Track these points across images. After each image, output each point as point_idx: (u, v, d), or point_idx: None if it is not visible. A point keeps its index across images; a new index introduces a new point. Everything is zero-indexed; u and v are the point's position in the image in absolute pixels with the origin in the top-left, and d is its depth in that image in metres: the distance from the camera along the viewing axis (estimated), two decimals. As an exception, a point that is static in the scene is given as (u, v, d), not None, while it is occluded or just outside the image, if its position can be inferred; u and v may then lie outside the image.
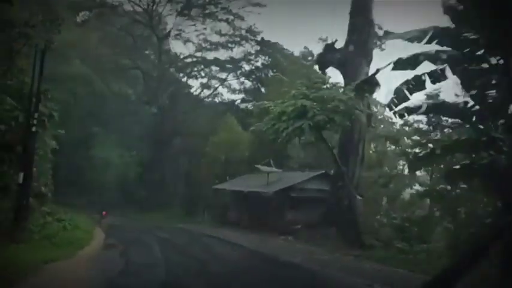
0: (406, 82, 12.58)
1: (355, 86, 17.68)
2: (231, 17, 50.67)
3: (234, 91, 56.16)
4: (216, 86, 55.98)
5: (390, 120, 34.33)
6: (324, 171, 27.38)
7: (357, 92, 18.36)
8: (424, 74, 12.27)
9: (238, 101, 53.55)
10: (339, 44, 24.95)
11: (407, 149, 23.09)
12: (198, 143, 50.78)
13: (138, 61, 49.08)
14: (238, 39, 52.27)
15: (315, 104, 20.10)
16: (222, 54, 54.33)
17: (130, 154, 57.27)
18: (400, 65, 12.23)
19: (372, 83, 14.77)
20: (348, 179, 22.64)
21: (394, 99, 12.74)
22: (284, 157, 33.40)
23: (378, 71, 13.75)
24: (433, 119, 22.10)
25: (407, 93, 12.55)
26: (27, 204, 14.51)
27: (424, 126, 23.83)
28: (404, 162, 26.35)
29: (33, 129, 15.22)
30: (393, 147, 28.87)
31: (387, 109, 14.07)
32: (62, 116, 39.41)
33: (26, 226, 14.41)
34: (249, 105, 48.62)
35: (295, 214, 26.16)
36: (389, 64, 12.33)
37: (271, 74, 48.85)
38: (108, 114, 52.88)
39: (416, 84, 12.47)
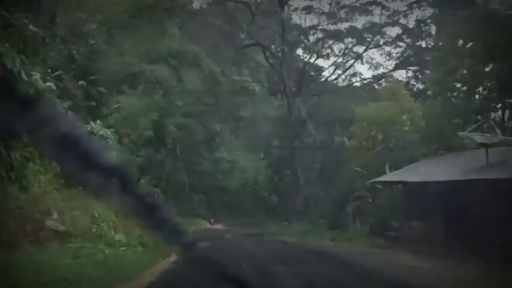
0: None
1: None
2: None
3: (376, 66, 42.04)
4: (352, 62, 42.52)
5: None
6: None
7: None
8: None
9: (389, 72, 38.89)
10: None
11: None
12: (336, 134, 38.05)
13: (256, 36, 37.92)
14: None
15: None
16: (359, 23, 41.00)
17: (259, 156, 47.29)
18: None
19: None
20: None
21: None
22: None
23: None
24: None
25: None
26: None
27: None
28: None
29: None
30: None
31: None
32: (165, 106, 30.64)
33: None
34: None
35: None
36: None
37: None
38: (228, 108, 43.23)
39: None
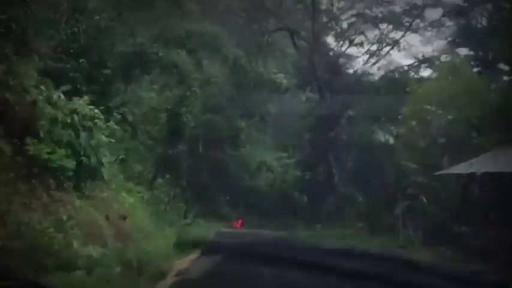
0: None
1: None
2: None
3: (414, 53, 37.32)
4: (388, 49, 38.00)
5: None
6: None
7: None
8: None
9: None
10: None
11: None
12: (375, 125, 33.66)
13: (285, 21, 33.77)
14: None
15: None
16: (396, 5, 36.52)
17: (288, 154, 43.38)
18: None
19: None
20: None
21: None
22: None
23: None
24: None
25: None
26: None
27: None
28: None
29: None
30: None
31: None
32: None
33: None
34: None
35: None
36: None
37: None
38: (254, 102, 39.39)
39: None
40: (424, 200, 18.58)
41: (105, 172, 11.29)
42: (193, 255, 12.27)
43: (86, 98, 11.46)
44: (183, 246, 12.94)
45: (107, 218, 11.03)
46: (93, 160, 10.65)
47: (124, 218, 12.46)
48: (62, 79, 14.61)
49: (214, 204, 37.17)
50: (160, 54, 21.32)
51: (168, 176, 29.13)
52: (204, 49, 25.02)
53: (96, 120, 11.01)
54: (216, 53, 25.82)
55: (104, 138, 10.99)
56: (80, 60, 17.57)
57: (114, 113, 23.75)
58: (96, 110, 11.04)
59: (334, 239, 19.22)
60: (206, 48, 24.82)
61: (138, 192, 18.50)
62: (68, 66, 17.56)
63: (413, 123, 18.55)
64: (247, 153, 44.35)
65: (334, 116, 31.03)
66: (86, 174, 10.70)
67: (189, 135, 35.84)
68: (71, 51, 17.78)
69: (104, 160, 11.09)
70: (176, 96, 23.40)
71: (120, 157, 15.89)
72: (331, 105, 31.48)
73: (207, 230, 24.96)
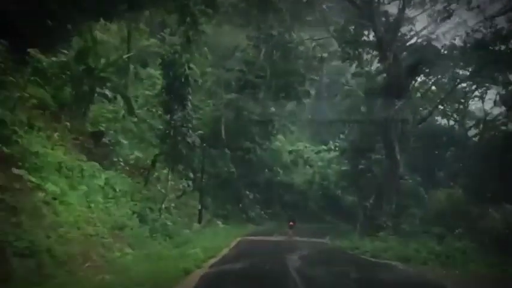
0: None
1: None
2: None
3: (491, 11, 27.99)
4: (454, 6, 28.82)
5: None
6: None
7: None
8: None
9: None
10: None
11: None
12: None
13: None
14: None
15: None
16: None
17: (329, 147, 35.40)
18: None
19: None
20: None
21: None
22: None
23: None
24: None
25: None
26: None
27: None
28: None
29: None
30: None
31: None
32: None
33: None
34: None
35: None
36: None
37: None
38: (289, 81, 31.51)
39: None
40: None
41: None
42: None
43: None
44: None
45: None
46: None
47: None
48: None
49: (240, 203, 29.48)
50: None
51: (180, 166, 21.84)
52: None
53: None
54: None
55: None
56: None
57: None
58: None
59: (438, 266, 10.78)
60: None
61: (101, 178, 11.08)
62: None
63: None
64: (281, 144, 36.66)
65: (400, 85, 22.43)
66: None
67: (208, 117, 28.66)
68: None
69: None
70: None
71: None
72: (395, 71, 22.94)
73: (224, 236, 17.36)
